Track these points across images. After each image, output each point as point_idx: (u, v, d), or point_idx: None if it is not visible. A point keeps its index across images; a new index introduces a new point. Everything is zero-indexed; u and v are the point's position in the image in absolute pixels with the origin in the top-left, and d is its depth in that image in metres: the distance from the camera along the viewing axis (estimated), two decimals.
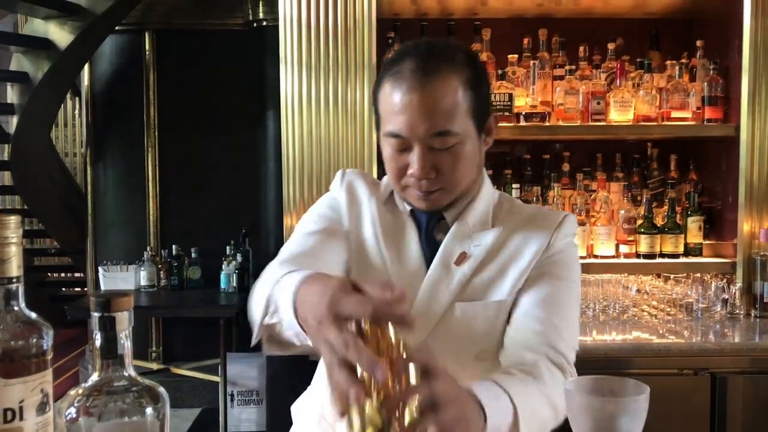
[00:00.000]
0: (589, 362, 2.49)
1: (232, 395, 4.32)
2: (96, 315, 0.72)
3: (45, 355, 0.79)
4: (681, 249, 2.92)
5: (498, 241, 1.38)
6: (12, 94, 4.83)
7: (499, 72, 2.89)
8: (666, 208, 2.96)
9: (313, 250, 1.34)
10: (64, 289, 7.19)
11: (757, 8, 2.75)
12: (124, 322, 0.74)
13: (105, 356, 0.74)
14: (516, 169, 3.16)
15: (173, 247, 4.71)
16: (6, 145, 5.11)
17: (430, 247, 1.39)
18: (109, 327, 0.72)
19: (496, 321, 1.35)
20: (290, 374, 2.79)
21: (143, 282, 4.60)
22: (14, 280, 0.81)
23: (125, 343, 0.77)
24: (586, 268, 2.89)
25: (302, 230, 1.43)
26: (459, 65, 1.29)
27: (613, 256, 2.91)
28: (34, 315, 0.82)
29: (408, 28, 3.07)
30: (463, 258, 1.35)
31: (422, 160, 1.27)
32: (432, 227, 1.40)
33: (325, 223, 1.42)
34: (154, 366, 4.82)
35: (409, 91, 1.25)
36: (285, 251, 1.37)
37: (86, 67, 5.04)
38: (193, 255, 4.68)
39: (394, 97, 1.26)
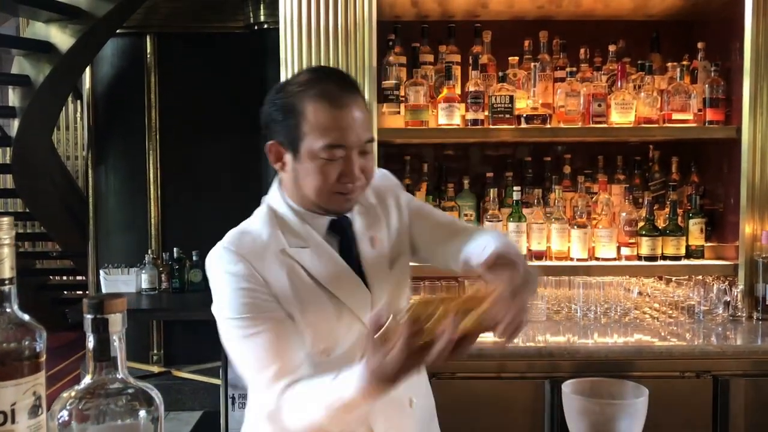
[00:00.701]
0: (591, 365, 2.50)
1: (233, 398, 4.30)
2: (89, 317, 0.71)
3: (38, 357, 0.78)
4: (683, 251, 2.91)
5: (377, 214, 1.61)
6: (13, 98, 4.85)
7: (500, 74, 2.88)
8: (667, 210, 2.95)
9: (279, 345, 1.41)
10: (66, 292, 7.20)
11: (759, 10, 2.74)
12: (117, 324, 0.73)
13: (98, 358, 0.73)
14: (517, 171, 3.15)
15: (174, 249, 4.71)
16: (7, 149, 5.12)
17: (341, 247, 1.54)
18: (101, 329, 0.71)
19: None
20: None
21: (144, 285, 4.60)
22: (7, 281, 0.80)
23: (118, 346, 0.76)
24: (588, 271, 2.88)
25: (242, 336, 1.42)
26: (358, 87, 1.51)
27: (614, 259, 2.90)
28: (27, 317, 0.81)
29: (408, 31, 3.06)
30: (374, 240, 1.58)
31: (358, 165, 1.44)
32: (347, 226, 1.55)
33: (252, 310, 1.43)
34: (155, 369, 4.81)
35: (346, 106, 1.42)
36: (256, 367, 1.42)
37: (88, 70, 5.05)
38: (194, 258, 4.69)
39: (332, 112, 1.41)
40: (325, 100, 1.41)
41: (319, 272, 1.48)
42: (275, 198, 1.54)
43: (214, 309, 1.48)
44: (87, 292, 5.58)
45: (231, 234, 1.50)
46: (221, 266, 1.45)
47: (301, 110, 1.42)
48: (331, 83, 1.44)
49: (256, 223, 1.52)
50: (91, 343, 0.73)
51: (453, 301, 1.18)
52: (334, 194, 1.45)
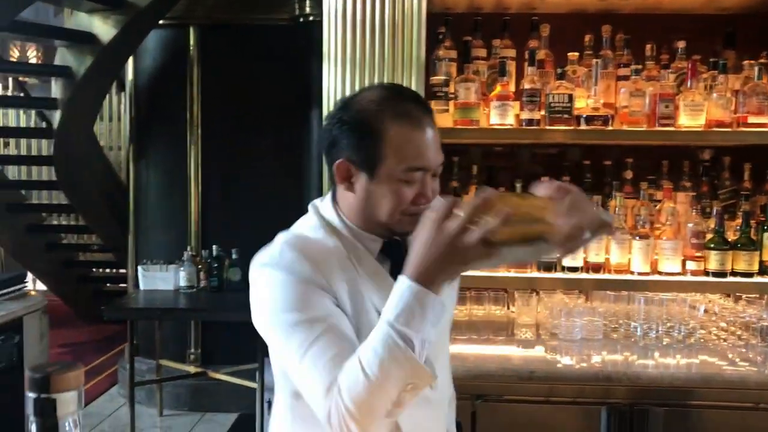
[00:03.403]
0: (653, 392, 2.29)
1: (269, 402, 4.18)
2: (31, 396, 0.53)
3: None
4: (755, 267, 2.65)
5: None
6: (56, 89, 4.79)
7: (558, 71, 2.67)
8: (739, 221, 2.71)
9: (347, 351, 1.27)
10: (108, 284, 7.18)
11: None
12: (70, 404, 0.54)
13: None
14: (575, 175, 2.94)
15: (214, 247, 4.60)
16: (50, 140, 5.07)
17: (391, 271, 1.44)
18: (47, 413, 0.53)
19: None
20: None
21: (182, 282, 4.50)
22: None
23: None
24: (649, 286, 2.66)
25: (308, 340, 1.29)
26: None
27: (679, 273, 2.66)
28: None
29: (460, 23, 2.88)
30: None
31: (434, 186, 1.42)
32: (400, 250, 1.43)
33: (321, 309, 1.33)
34: (192, 369, 4.72)
35: (428, 128, 1.39)
36: (325, 374, 1.26)
37: (130, 61, 4.97)
38: (233, 256, 4.56)
39: (414, 134, 1.37)
40: (407, 121, 1.37)
41: (373, 293, 1.39)
42: (328, 211, 1.46)
43: (265, 321, 1.36)
44: (127, 286, 5.51)
45: (290, 235, 1.43)
46: (282, 266, 1.35)
47: (380, 131, 1.37)
48: (410, 103, 1.41)
49: (311, 229, 1.45)
50: (33, 430, 0.55)
51: (512, 199, 1.19)
52: (405, 216, 1.39)
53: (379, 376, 1.18)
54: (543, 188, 1.29)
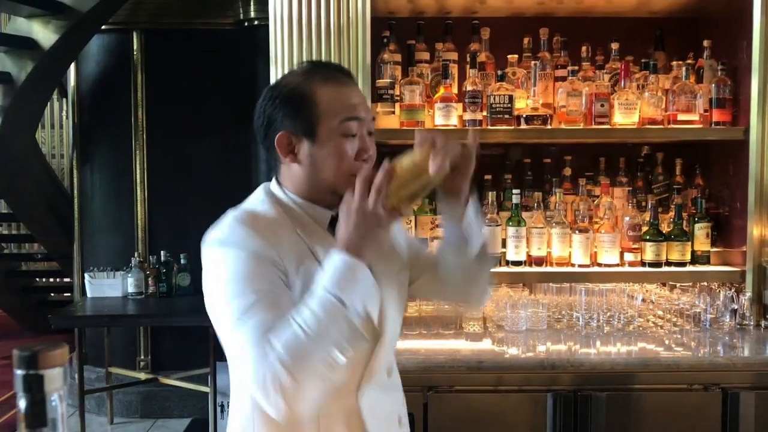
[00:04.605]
0: (595, 377, 2.40)
1: (222, 406, 4.19)
2: (19, 372, 0.58)
3: None
4: (688, 257, 2.80)
5: None
6: None
7: (499, 73, 2.76)
8: (672, 214, 2.85)
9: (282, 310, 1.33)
10: (52, 294, 7.05)
11: None
12: (56, 380, 0.59)
13: (31, 425, 0.59)
14: (516, 173, 3.04)
15: (162, 252, 4.58)
16: None
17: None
18: (36, 388, 0.57)
19: None
20: None
21: (131, 289, 4.48)
22: None
23: (58, 407, 0.61)
24: (589, 277, 2.78)
25: (246, 309, 1.32)
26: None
27: (617, 265, 2.79)
28: None
29: (404, 27, 2.95)
30: None
31: (372, 146, 1.49)
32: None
33: (267, 283, 1.36)
34: (142, 375, 4.68)
35: (353, 86, 1.51)
36: (257, 318, 1.30)
37: (72, 67, 4.91)
38: (182, 261, 4.56)
39: (342, 90, 1.47)
40: (333, 81, 1.47)
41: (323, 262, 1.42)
42: (275, 188, 1.52)
43: (215, 299, 1.37)
44: (73, 294, 5.43)
45: (238, 211, 1.46)
46: (233, 243, 1.37)
47: (310, 96, 1.45)
48: (331, 69, 1.52)
49: (259, 205, 1.48)
50: (22, 405, 0.59)
51: (401, 162, 1.38)
52: (352, 177, 1.41)
53: (316, 331, 1.25)
54: (417, 144, 1.40)
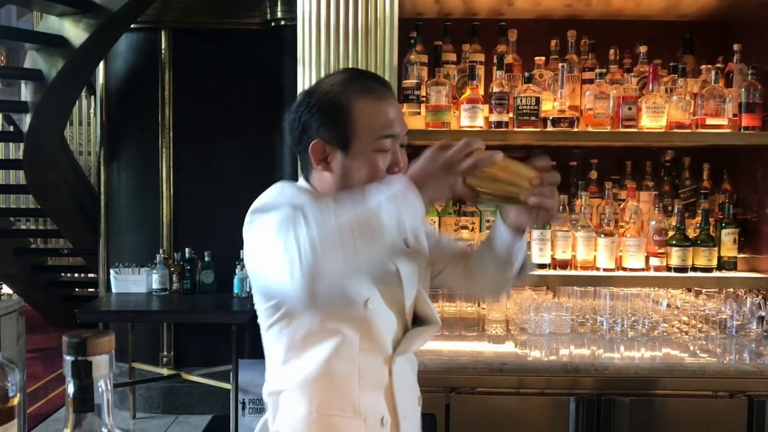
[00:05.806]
0: (619, 382, 2.38)
1: (243, 403, 4.21)
2: (68, 359, 0.60)
3: (8, 401, 0.66)
4: (714, 262, 2.77)
5: None
6: (26, 92, 4.77)
7: (526, 75, 2.76)
8: (699, 219, 2.82)
9: None
10: (77, 289, 7.14)
11: None
12: (103, 366, 0.61)
13: (79, 409, 0.61)
14: None
15: (186, 250, 4.62)
16: (19, 144, 5.04)
17: None
18: (84, 374, 0.59)
19: None
20: None
21: (155, 285, 4.52)
22: None
23: (104, 392, 0.63)
24: (614, 281, 2.76)
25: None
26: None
27: (642, 269, 2.77)
28: None
29: (431, 28, 2.95)
30: None
31: (403, 158, 1.51)
32: None
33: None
34: (165, 371, 4.72)
35: (391, 100, 1.51)
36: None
37: (101, 65, 4.96)
38: (206, 258, 4.60)
39: (379, 105, 1.47)
40: (371, 95, 1.48)
41: None
42: (306, 186, 1.55)
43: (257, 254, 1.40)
44: (98, 290, 5.49)
45: (286, 182, 1.54)
46: (281, 203, 1.37)
47: (348, 108, 1.46)
48: (371, 80, 1.53)
49: (297, 195, 1.49)
50: (71, 389, 0.61)
51: (507, 161, 1.38)
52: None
53: (351, 218, 1.26)
54: (538, 164, 1.41)
